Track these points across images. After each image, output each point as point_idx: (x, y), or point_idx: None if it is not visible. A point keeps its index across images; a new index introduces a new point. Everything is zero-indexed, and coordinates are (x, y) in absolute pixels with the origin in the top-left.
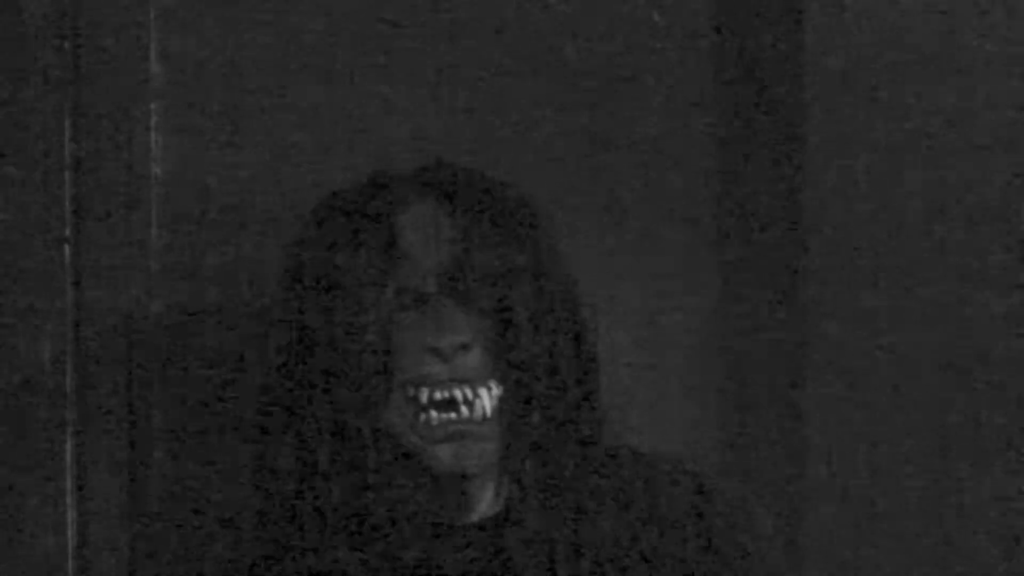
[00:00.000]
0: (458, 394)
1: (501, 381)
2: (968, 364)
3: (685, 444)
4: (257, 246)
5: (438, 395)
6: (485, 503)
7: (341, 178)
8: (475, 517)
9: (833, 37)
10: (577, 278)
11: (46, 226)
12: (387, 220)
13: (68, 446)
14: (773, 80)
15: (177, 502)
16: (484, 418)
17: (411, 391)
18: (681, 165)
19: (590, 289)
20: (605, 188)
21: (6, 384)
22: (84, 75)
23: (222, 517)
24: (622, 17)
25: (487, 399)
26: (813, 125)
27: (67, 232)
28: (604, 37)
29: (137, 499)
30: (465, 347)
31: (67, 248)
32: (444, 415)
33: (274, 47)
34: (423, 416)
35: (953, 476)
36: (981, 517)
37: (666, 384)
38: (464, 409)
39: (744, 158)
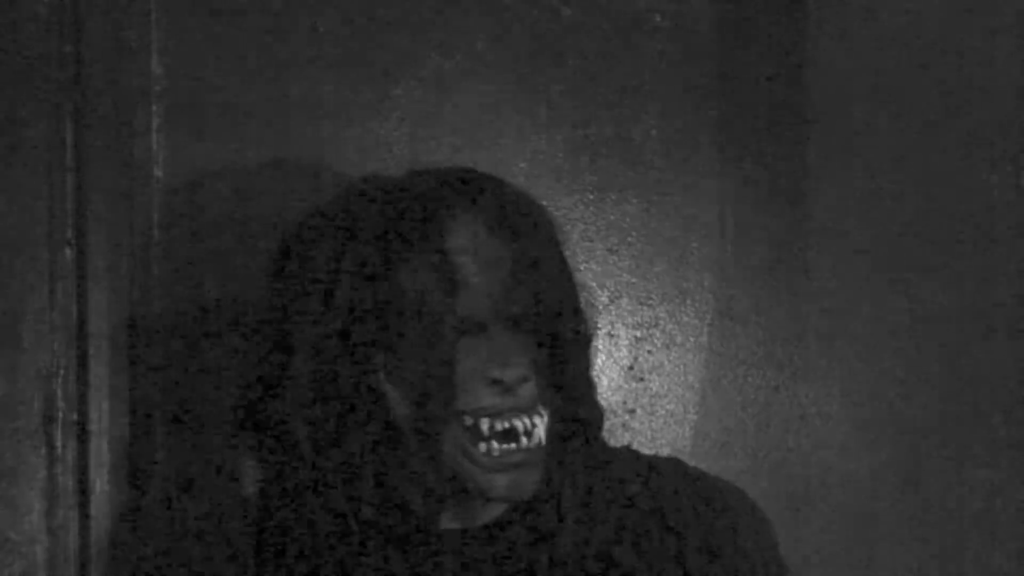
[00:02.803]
0: (519, 425)
1: (547, 406)
2: (970, 363)
3: (687, 445)
4: (258, 248)
5: (499, 426)
6: (487, 509)
7: (341, 179)
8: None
9: (835, 36)
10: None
11: (48, 228)
12: (439, 239)
13: (69, 450)
14: (775, 80)
15: (178, 504)
16: (540, 446)
17: (469, 420)
18: (682, 164)
19: (591, 289)
20: (605, 188)
21: (8, 385)
22: (85, 77)
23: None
24: (623, 18)
25: (541, 427)
26: (815, 120)
27: (69, 234)
28: (605, 38)
29: (139, 505)
30: (526, 379)
31: (69, 250)
32: (505, 446)
33: (275, 48)
34: (483, 445)
35: (955, 476)
36: (984, 517)
37: (667, 385)
38: (524, 439)
39: (746, 155)
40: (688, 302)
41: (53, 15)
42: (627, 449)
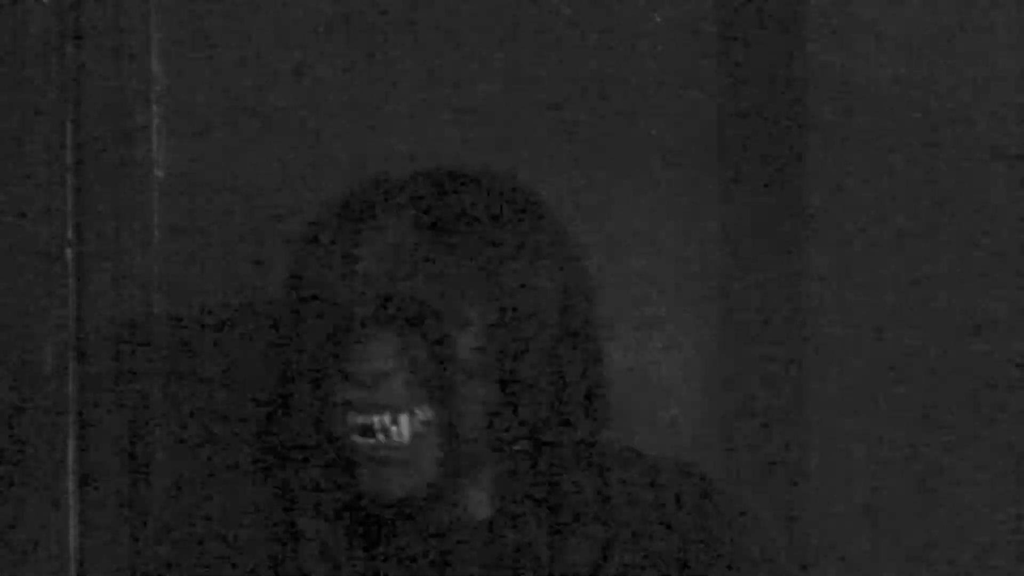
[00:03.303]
0: (375, 420)
1: (432, 405)
2: (971, 365)
3: (686, 446)
4: (259, 249)
5: (360, 420)
6: (480, 507)
7: (343, 180)
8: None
9: (837, 37)
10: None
11: (48, 229)
12: (352, 238)
13: (70, 450)
14: (774, 81)
15: (179, 507)
16: (403, 445)
17: (342, 413)
18: (682, 166)
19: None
20: (605, 189)
21: (8, 388)
22: (85, 77)
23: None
24: (623, 18)
25: (406, 425)
26: (815, 126)
27: (69, 235)
28: (605, 38)
29: (139, 505)
30: (385, 375)
31: (69, 251)
32: (364, 440)
33: (276, 49)
34: (356, 439)
35: (957, 479)
36: (985, 519)
37: (667, 386)
38: (381, 436)
39: (746, 159)
40: (689, 303)
41: (53, 16)
42: (628, 448)
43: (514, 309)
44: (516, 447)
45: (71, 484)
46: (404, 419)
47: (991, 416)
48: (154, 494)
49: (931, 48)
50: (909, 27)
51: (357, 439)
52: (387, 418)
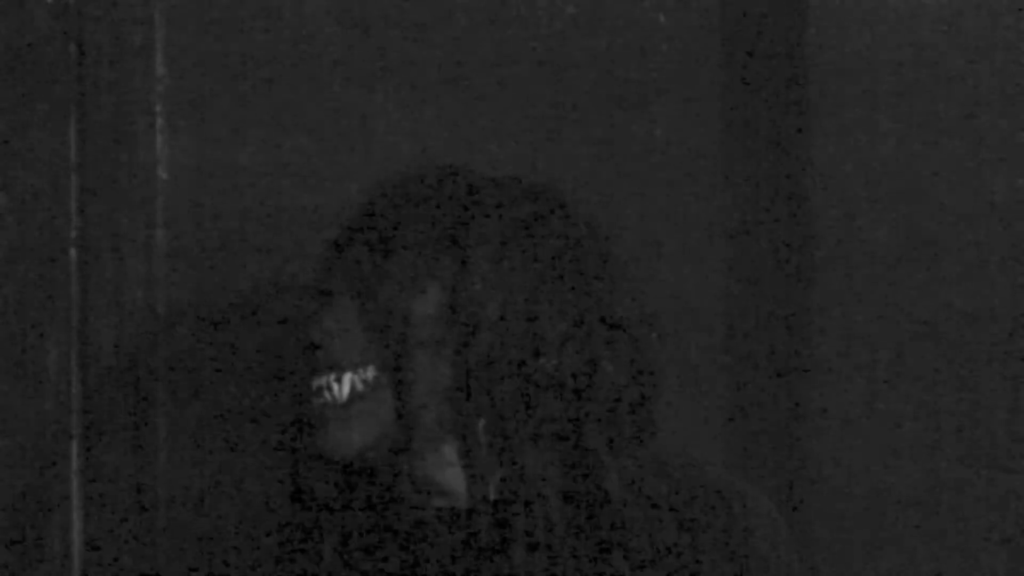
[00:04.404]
0: (322, 380)
1: (379, 369)
2: (977, 361)
3: (689, 443)
4: (263, 248)
5: (314, 381)
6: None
7: (348, 179)
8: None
9: (840, 35)
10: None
11: (52, 229)
12: (344, 227)
13: (74, 450)
14: (778, 78)
15: (184, 506)
16: (339, 404)
17: (307, 375)
18: (687, 163)
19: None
20: (610, 187)
21: (11, 388)
22: (89, 78)
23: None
24: (627, 17)
25: (347, 383)
26: (818, 121)
27: (73, 235)
28: (609, 37)
29: (143, 504)
30: (331, 336)
31: (73, 251)
32: (316, 401)
33: (280, 47)
34: (313, 400)
35: (964, 474)
36: (990, 515)
37: (674, 385)
38: (327, 394)
39: (750, 155)
40: (694, 301)
41: (57, 15)
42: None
43: (473, 286)
44: (473, 427)
45: (75, 483)
46: (347, 377)
47: (1000, 413)
48: (159, 493)
49: (935, 43)
50: (913, 20)
51: (313, 400)
52: (332, 377)
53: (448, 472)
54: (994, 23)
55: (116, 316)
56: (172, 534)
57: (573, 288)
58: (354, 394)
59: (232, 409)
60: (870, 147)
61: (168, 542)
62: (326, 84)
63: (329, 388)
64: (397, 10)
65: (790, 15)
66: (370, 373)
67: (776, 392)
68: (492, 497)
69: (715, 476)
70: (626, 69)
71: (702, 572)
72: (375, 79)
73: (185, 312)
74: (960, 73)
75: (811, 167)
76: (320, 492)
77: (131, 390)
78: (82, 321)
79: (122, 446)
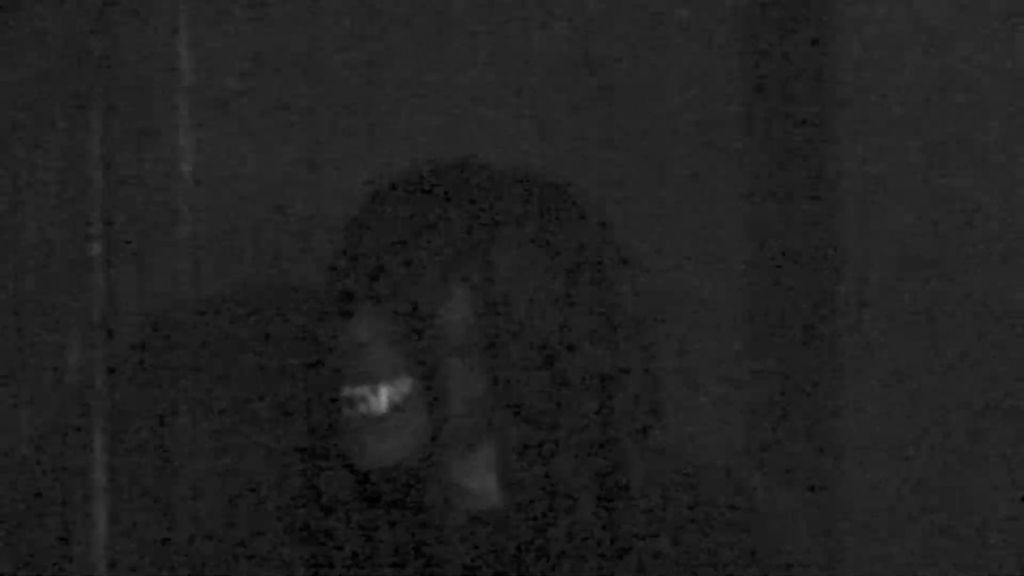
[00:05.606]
0: (356, 392)
1: (410, 377)
2: (1006, 361)
3: (714, 444)
4: (288, 244)
5: (345, 391)
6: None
7: (373, 175)
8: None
9: (862, 29)
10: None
11: (75, 225)
12: (352, 225)
13: (97, 446)
14: (801, 74)
15: (208, 501)
16: (379, 415)
17: (335, 385)
18: (709, 159)
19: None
20: (630, 182)
21: (35, 384)
22: (113, 73)
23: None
24: (647, 12)
25: (384, 395)
26: (843, 117)
27: (97, 230)
28: (629, 32)
29: (169, 501)
30: (364, 346)
31: (96, 246)
32: (349, 411)
33: (305, 42)
34: (344, 410)
35: (992, 476)
36: (1020, 516)
37: (697, 383)
38: (361, 406)
39: (771, 151)
40: (714, 297)
41: (81, 10)
42: (665, 451)
43: (500, 288)
44: (508, 431)
45: (100, 480)
46: (383, 390)
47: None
48: (184, 490)
49: (958, 37)
50: (936, 15)
51: (344, 410)
52: (367, 388)
53: (480, 476)
54: (1017, 33)
55: (140, 311)
56: (195, 532)
57: (595, 285)
58: (392, 406)
59: (253, 409)
60: (894, 145)
61: (191, 540)
62: (353, 78)
63: (364, 400)
64: (426, 5)
65: (812, 8)
66: (406, 385)
67: (800, 390)
68: (526, 500)
69: (731, 472)
70: (646, 64)
71: (718, 567)
72: (404, 73)
73: (207, 310)
74: (985, 64)
75: (835, 159)
76: (343, 498)
77: (155, 387)
78: (105, 317)
79: (146, 443)
